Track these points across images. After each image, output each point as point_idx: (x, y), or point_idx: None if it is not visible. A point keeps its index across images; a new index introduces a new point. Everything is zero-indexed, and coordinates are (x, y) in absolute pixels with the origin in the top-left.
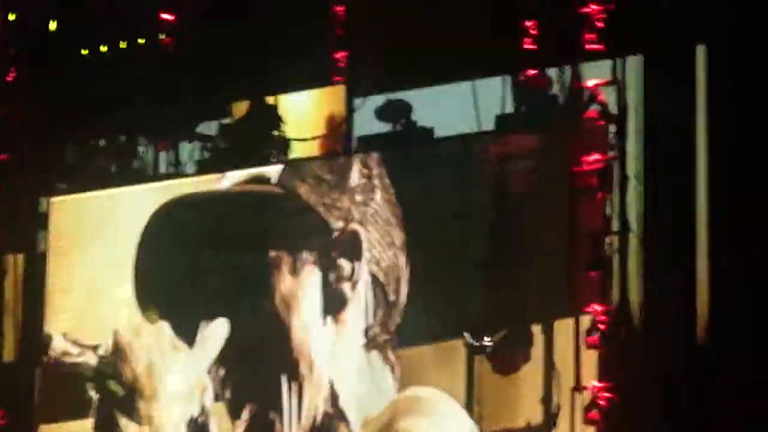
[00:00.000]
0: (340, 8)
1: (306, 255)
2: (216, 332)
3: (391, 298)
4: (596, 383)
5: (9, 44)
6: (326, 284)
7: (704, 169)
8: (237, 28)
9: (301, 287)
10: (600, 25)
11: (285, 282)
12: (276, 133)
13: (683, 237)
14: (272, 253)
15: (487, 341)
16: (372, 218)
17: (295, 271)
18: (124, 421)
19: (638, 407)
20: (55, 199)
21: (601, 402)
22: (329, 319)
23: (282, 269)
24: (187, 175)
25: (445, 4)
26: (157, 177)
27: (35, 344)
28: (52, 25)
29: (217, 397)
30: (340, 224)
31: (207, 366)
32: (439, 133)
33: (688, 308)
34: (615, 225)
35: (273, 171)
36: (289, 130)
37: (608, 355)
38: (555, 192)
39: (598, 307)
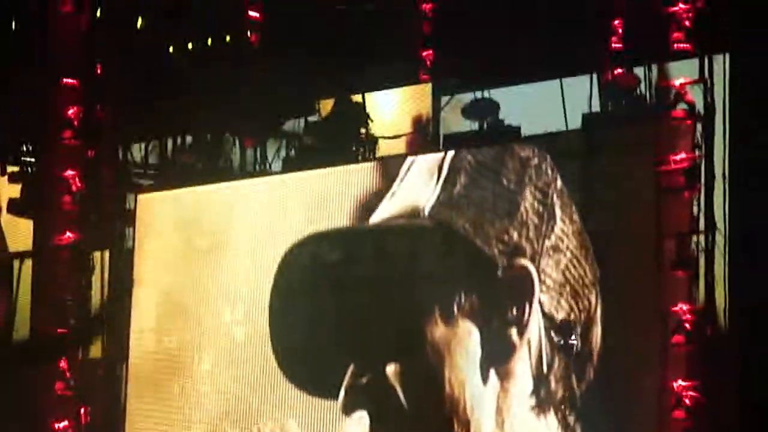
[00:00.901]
0: (427, 5)
1: (463, 297)
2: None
3: (575, 343)
4: (682, 382)
5: (96, 40)
6: (488, 331)
7: None
8: (323, 25)
9: (456, 336)
10: (687, 23)
11: (438, 330)
12: (363, 130)
13: None
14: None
15: (573, 339)
16: (550, 251)
17: (448, 318)
18: None
19: (723, 407)
20: (141, 196)
21: (686, 401)
22: (492, 372)
23: (434, 315)
24: (273, 173)
25: (533, 2)
26: (243, 174)
27: (121, 340)
28: (140, 22)
29: None
30: (505, 260)
31: None
32: (526, 131)
33: None
34: (702, 224)
35: (424, 202)
36: (376, 128)
37: (694, 355)
38: (642, 191)
39: (684, 307)
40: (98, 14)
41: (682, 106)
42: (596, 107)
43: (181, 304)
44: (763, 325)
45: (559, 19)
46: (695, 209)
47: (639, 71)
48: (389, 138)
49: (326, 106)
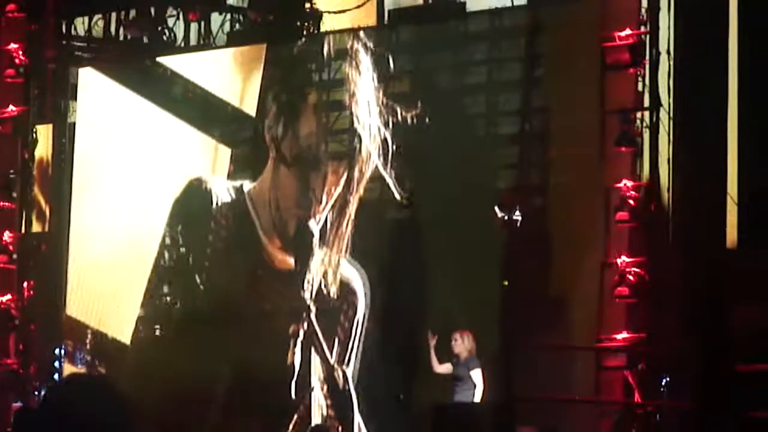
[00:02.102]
0: None
1: None
2: None
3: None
4: (626, 258)
5: None
6: None
7: (736, 44)
8: None
9: None
10: None
11: None
12: (308, 5)
13: (715, 113)
14: None
15: (517, 215)
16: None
17: None
18: None
19: (665, 283)
20: (83, 70)
21: (630, 278)
22: None
23: None
24: (218, 47)
25: None
26: (187, 48)
27: (64, 215)
28: None
29: None
30: None
31: None
32: (471, 7)
33: (716, 185)
34: (646, 101)
35: None
36: (321, 2)
37: (638, 232)
38: (586, 67)
39: (628, 183)
40: None
41: None
42: None
43: (122, 177)
44: (705, 202)
45: None
46: (640, 86)
47: None
48: (334, 12)
49: None
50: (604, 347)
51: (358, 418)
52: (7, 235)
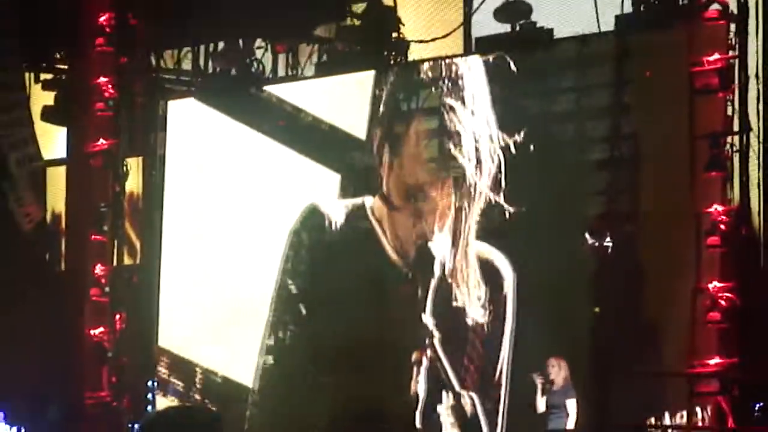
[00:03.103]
0: None
1: None
2: None
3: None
4: (717, 284)
5: None
6: None
7: None
8: None
9: None
10: None
11: None
12: (395, 35)
13: None
14: None
15: (607, 241)
16: None
17: None
18: None
19: (757, 308)
20: (173, 102)
21: (722, 302)
22: None
23: None
24: (306, 78)
25: None
26: (275, 80)
27: (155, 246)
28: None
29: None
30: None
31: None
32: (559, 34)
33: None
34: (735, 125)
35: None
36: (408, 32)
37: (729, 256)
38: (675, 92)
39: (718, 208)
40: None
41: (715, 6)
42: (628, 8)
43: (217, 208)
44: None
45: None
46: (729, 110)
47: None
48: (421, 42)
49: (358, 10)
50: (697, 373)
51: None
52: (99, 268)
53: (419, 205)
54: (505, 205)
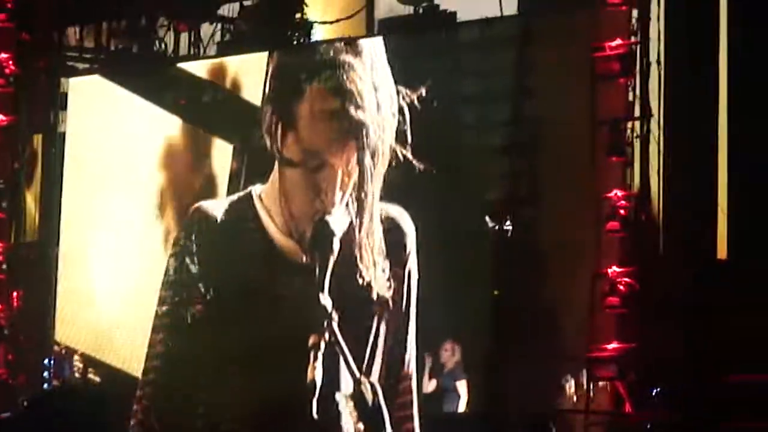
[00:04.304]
0: None
1: None
2: None
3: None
4: (616, 269)
5: None
6: None
7: (726, 54)
8: None
9: None
10: None
11: None
12: (298, 16)
13: (705, 122)
14: None
15: (507, 225)
16: None
17: None
18: None
19: (656, 293)
20: (76, 79)
21: (621, 287)
22: None
23: None
24: (207, 57)
25: None
26: (177, 59)
27: (53, 225)
28: None
29: None
30: None
31: None
32: (462, 17)
33: (707, 195)
34: (637, 111)
35: None
36: (311, 12)
37: (629, 241)
38: (578, 77)
39: (619, 193)
40: None
41: None
42: None
43: (118, 185)
44: (696, 211)
45: None
46: (630, 96)
47: None
48: (324, 23)
49: None
50: (595, 357)
51: None
52: None
53: (318, 176)
54: (413, 160)
